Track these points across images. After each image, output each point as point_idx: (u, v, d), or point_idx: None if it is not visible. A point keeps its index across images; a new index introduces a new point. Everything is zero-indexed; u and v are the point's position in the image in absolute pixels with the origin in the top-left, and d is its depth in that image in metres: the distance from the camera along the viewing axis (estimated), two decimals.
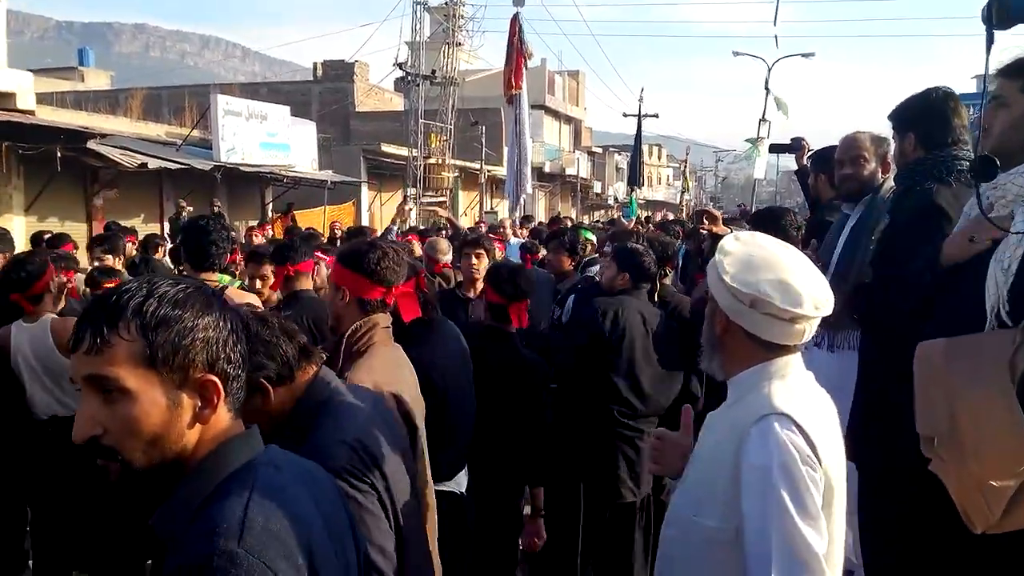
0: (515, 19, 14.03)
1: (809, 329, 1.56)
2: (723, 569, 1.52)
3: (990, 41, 1.65)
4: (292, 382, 1.75)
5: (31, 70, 12.77)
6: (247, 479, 1.10)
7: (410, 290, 2.50)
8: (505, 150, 22.50)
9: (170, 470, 1.11)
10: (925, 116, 2.70)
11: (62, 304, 3.65)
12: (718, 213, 4.76)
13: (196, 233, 3.52)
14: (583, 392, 3.52)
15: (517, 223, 13.75)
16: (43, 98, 15.12)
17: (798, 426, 1.49)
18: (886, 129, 2.98)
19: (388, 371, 2.17)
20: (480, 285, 4.10)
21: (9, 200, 11.74)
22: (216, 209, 12.69)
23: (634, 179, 20.95)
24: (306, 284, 4.01)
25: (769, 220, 4.00)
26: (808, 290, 1.52)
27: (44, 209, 12.24)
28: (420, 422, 2.23)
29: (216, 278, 3.49)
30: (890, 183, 3.13)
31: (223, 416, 1.14)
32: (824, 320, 1.59)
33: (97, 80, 30.96)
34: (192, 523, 1.06)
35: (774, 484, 1.44)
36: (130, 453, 1.07)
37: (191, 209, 12.55)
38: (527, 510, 3.28)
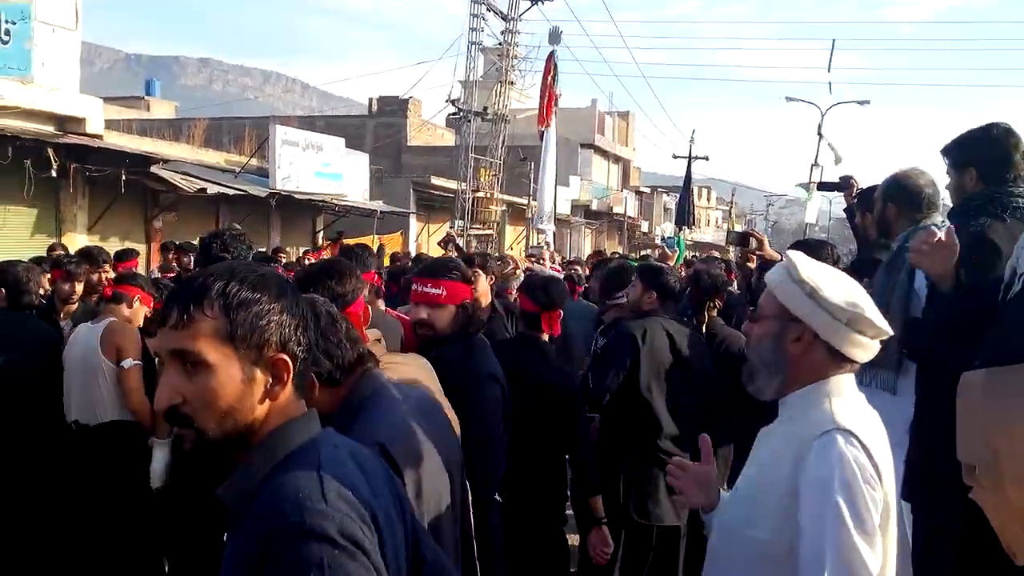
0: (550, 57, 14.28)
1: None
2: None
3: None
4: (338, 387, 1.75)
5: (101, 98, 13.34)
6: (312, 454, 1.18)
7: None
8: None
9: (238, 442, 1.19)
10: (986, 151, 2.66)
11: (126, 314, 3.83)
12: (762, 235, 4.66)
13: (203, 252, 3.62)
14: (621, 417, 3.46)
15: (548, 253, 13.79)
16: (111, 124, 15.78)
17: (861, 443, 1.48)
18: (940, 171, 2.94)
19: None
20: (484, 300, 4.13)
21: (74, 219, 12.19)
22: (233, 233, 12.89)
23: (682, 219, 20.76)
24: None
25: (807, 251, 3.87)
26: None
27: (106, 229, 12.68)
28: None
29: None
30: (932, 220, 3.10)
31: (289, 395, 1.22)
32: None
33: (162, 110, 32.21)
34: (262, 494, 1.14)
35: (834, 498, 1.43)
36: (205, 422, 1.15)
37: (239, 231, 12.86)
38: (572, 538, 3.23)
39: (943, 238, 2.27)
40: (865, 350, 1.59)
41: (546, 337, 3.38)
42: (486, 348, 2.81)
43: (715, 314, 4.23)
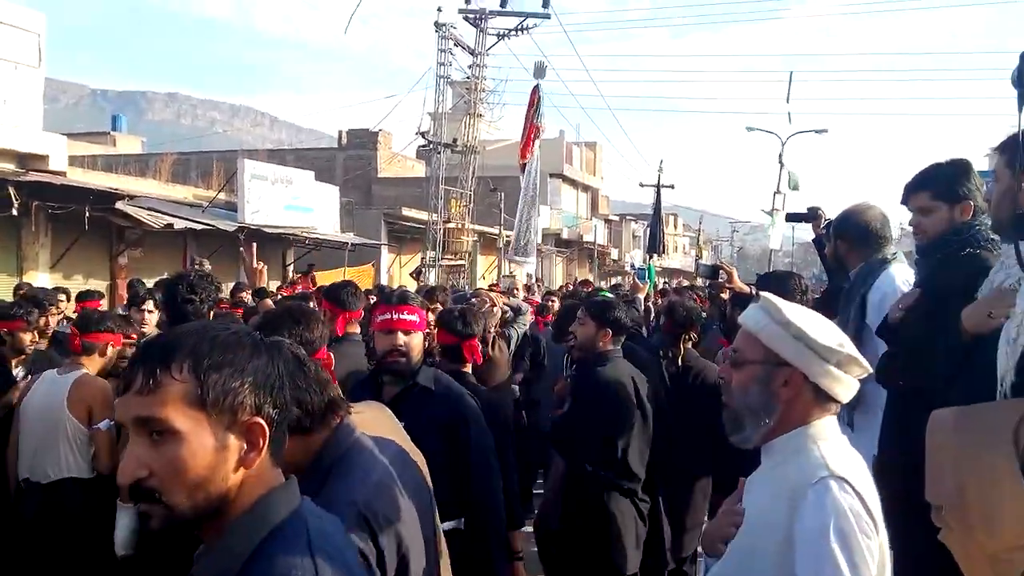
0: (535, 91, 14.45)
1: None
2: None
3: (1021, 101, 1.67)
4: (309, 435, 1.68)
5: (65, 134, 13.16)
6: (300, 529, 1.12)
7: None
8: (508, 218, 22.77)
9: (210, 517, 1.10)
10: (971, 184, 2.72)
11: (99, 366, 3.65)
12: (731, 268, 4.74)
13: (168, 297, 3.41)
14: (592, 461, 3.38)
15: (534, 284, 13.85)
16: (75, 160, 15.55)
17: (855, 490, 1.45)
18: (896, 202, 2.98)
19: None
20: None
21: (36, 257, 11.95)
22: (197, 267, 12.72)
23: (653, 247, 20.92)
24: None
25: (776, 283, 3.90)
26: None
27: (69, 267, 12.43)
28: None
29: None
30: (883, 253, 3.25)
31: (265, 463, 1.14)
32: None
33: (129, 145, 31.90)
34: (248, 572, 1.06)
35: (831, 550, 1.39)
36: (174, 497, 1.06)
37: (209, 267, 12.70)
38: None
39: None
40: (850, 390, 1.59)
41: (469, 367, 3.34)
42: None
43: (690, 346, 4.23)
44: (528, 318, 6.49)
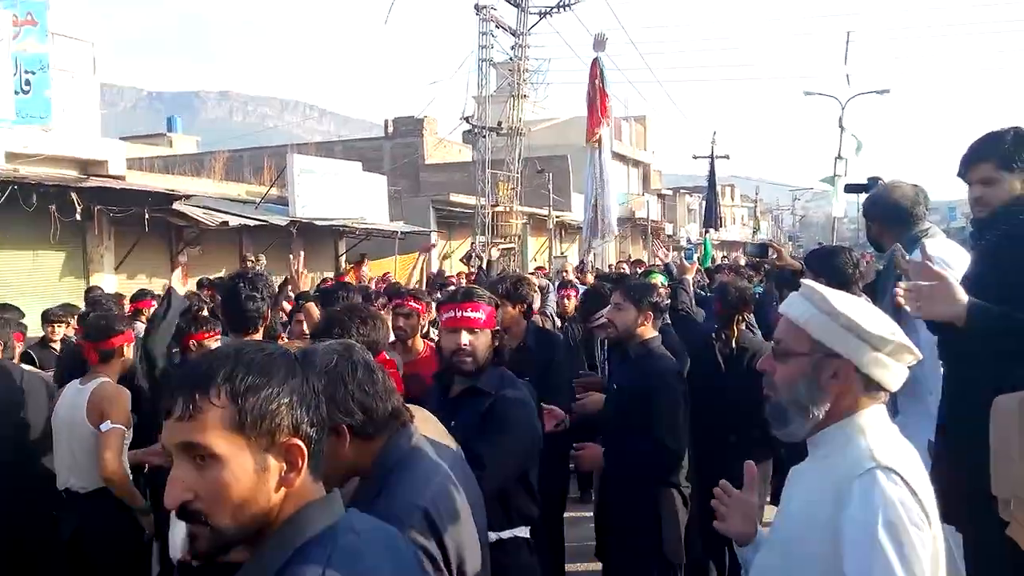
0: (595, 63, 14.11)
1: None
2: None
3: None
4: (371, 441, 1.67)
5: (124, 138, 13.56)
6: (326, 544, 1.13)
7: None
8: (573, 196, 22.47)
9: (254, 535, 1.13)
10: None
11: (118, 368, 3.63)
12: (780, 246, 4.69)
13: (230, 296, 3.33)
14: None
15: (587, 266, 13.70)
16: (133, 163, 16.03)
17: (904, 481, 1.39)
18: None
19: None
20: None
21: (101, 260, 12.37)
22: (252, 264, 12.92)
23: (710, 220, 20.46)
24: None
25: (825, 259, 3.66)
26: None
27: (132, 267, 12.85)
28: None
29: (258, 338, 3.34)
30: (919, 229, 3.15)
31: (306, 480, 1.17)
32: None
33: (184, 145, 32.75)
34: None
35: (880, 544, 1.33)
36: (219, 518, 1.10)
37: (264, 262, 12.96)
38: None
39: (924, 279, 2.13)
40: (900, 378, 1.54)
41: None
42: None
43: (743, 327, 4.11)
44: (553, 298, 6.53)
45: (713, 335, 4.14)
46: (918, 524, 1.37)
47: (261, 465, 1.11)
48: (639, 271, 9.66)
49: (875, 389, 1.53)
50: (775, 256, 4.45)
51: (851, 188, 5.33)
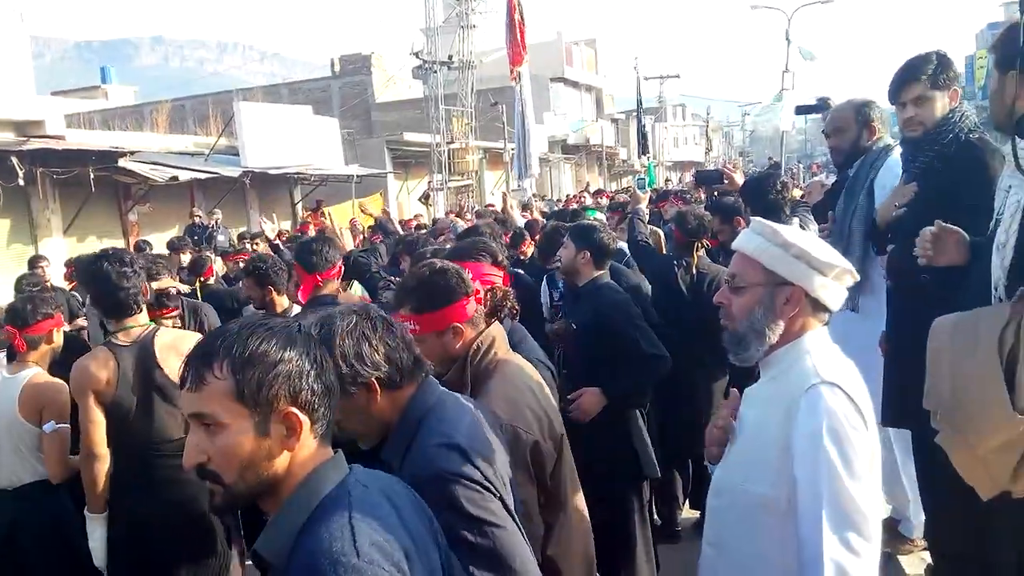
0: None
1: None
2: (774, 534, 1.60)
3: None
4: (398, 391, 1.74)
5: (55, 92, 13.01)
6: (343, 499, 1.24)
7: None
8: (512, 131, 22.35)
9: (266, 493, 1.26)
10: (953, 71, 2.78)
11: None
12: (731, 172, 5.10)
13: (98, 280, 2.98)
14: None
15: (530, 201, 13.73)
16: (71, 120, 15.43)
17: (845, 393, 1.56)
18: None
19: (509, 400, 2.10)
20: None
21: (48, 224, 12.05)
22: (198, 220, 12.56)
23: (643, 147, 20.78)
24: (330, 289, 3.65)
25: (754, 190, 4.31)
26: None
27: (82, 230, 12.54)
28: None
29: (142, 321, 3.06)
30: (883, 142, 3.35)
31: (310, 443, 1.28)
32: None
33: (121, 96, 31.44)
34: (299, 549, 1.19)
35: (825, 448, 1.51)
36: (228, 478, 1.23)
37: (219, 215, 12.73)
38: None
39: (938, 235, 2.25)
40: (841, 297, 1.73)
41: None
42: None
43: (702, 253, 4.25)
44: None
45: (675, 262, 4.26)
46: (857, 427, 1.54)
47: (261, 431, 1.23)
48: (578, 207, 9.58)
49: (821, 310, 1.71)
50: (727, 183, 4.61)
51: (801, 109, 5.43)
